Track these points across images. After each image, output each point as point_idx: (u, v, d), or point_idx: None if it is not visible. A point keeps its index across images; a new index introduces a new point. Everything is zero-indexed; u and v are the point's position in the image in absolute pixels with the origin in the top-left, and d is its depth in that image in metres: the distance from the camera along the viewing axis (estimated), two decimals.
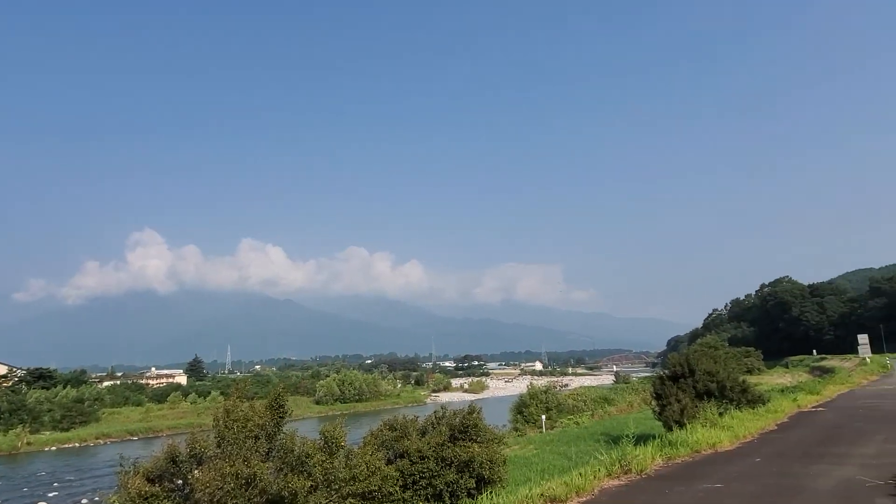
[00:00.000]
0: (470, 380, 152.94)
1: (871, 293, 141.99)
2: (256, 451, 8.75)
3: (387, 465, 10.33)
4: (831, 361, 72.10)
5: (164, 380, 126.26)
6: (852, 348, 67.67)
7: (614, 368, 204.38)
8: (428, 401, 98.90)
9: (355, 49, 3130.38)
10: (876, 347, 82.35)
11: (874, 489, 9.39)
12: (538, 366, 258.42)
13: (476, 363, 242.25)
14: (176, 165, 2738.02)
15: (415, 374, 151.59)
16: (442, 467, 10.66)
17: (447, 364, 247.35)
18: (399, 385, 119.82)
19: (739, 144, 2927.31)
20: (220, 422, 9.02)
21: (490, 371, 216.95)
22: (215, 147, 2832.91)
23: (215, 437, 8.98)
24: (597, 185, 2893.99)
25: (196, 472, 8.70)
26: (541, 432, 32.48)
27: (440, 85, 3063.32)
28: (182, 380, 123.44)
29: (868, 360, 59.38)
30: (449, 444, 11.06)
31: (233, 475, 8.06)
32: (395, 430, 11.76)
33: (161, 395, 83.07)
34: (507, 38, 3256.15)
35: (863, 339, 60.96)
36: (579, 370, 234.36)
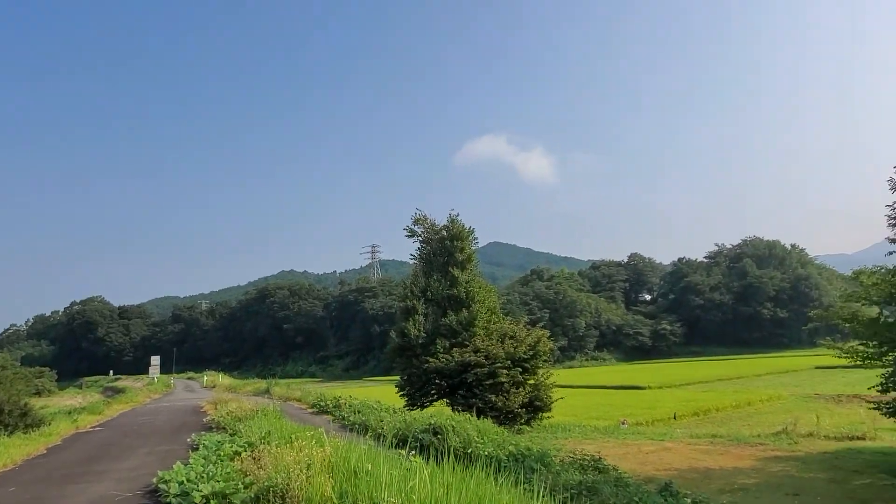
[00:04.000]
0: None
1: (173, 318, 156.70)
2: None
3: None
4: (125, 381, 74.97)
5: None
6: (148, 369, 72.30)
7: None
8: None
9: None
10: (167, 368, 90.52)
11: (123, 502, 10.01)
12: None
13: None
14: None
15: None
16: None
17: None
18: None
19: None
20: None
21: None
22: None
23: None
24: None
25: None
26: None
27: None
28: None
29: (156, 379, 64.55)
30: None
31: None
32: None
33: None
34: None
35: (155, 360, 65.95)
36: None
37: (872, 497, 15.17)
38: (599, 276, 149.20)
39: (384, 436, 14.67)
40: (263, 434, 12.36)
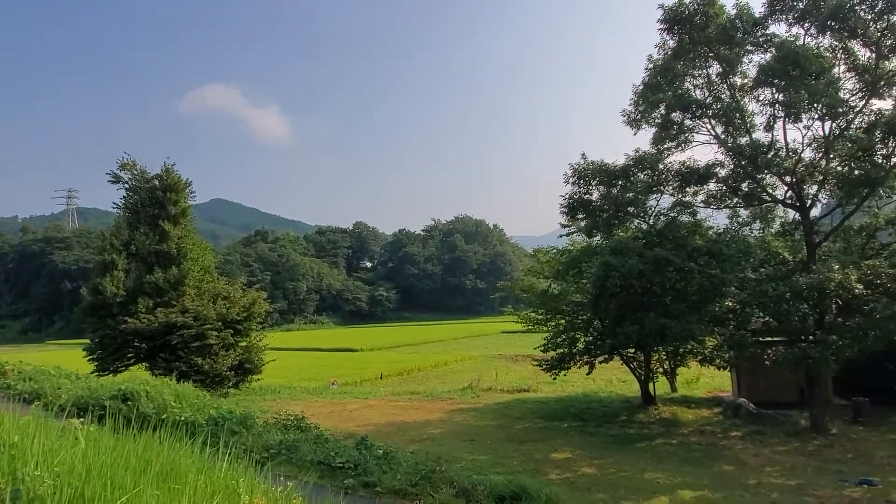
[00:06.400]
0: None
1: None
2: None
3: None
4: None
5: None
6: None
7: None
8: None
9: None
10: None
11: None
12: None
13: None
14: None
15: None
16: None
17: None
18: None
19: None
20: None
21: None
22: None
23: None
24: None
25: None
26: None
27: None
28: None
29: None
30: None
31: None
32: None
33: None
34: None
35: None
36: None
37: (527, 438, 18.30)
38: (324, 242, 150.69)
39: (58, 405, 12.85)
40: None
